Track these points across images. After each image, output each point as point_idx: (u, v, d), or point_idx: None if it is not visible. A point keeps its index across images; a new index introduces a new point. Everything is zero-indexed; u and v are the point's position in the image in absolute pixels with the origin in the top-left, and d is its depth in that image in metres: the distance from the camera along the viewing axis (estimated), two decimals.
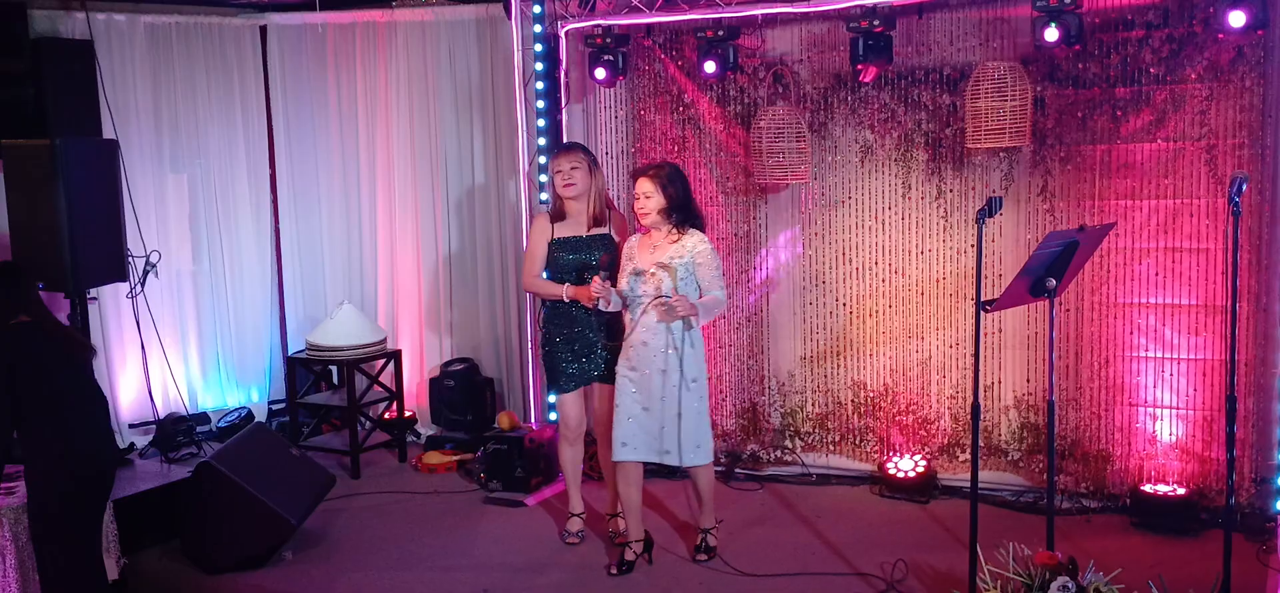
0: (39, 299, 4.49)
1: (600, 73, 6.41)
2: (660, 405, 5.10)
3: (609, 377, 5.34)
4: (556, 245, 5.47)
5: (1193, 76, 5.55)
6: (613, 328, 5.42)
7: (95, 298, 6.42)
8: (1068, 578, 4.18)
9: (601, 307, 5.16)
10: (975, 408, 4.44)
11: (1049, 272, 4.42)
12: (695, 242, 5.10)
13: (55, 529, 4.32)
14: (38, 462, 4.26)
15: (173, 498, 5.73)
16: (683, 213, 5.12)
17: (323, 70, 7.63)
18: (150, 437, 6.69)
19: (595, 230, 5.49)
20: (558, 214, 5.57)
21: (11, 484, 4.70)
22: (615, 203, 5.88)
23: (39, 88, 6.28)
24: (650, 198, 5.08)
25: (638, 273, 5.12)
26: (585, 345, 5.46)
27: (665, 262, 5.06)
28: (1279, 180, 5.39)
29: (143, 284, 6.55)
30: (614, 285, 5.18)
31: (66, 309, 5.98)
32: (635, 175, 5.30)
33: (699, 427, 5.16)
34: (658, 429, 5.13)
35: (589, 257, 5.38)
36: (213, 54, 7.38)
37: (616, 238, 5.50)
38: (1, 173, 5.88)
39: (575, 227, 5.49)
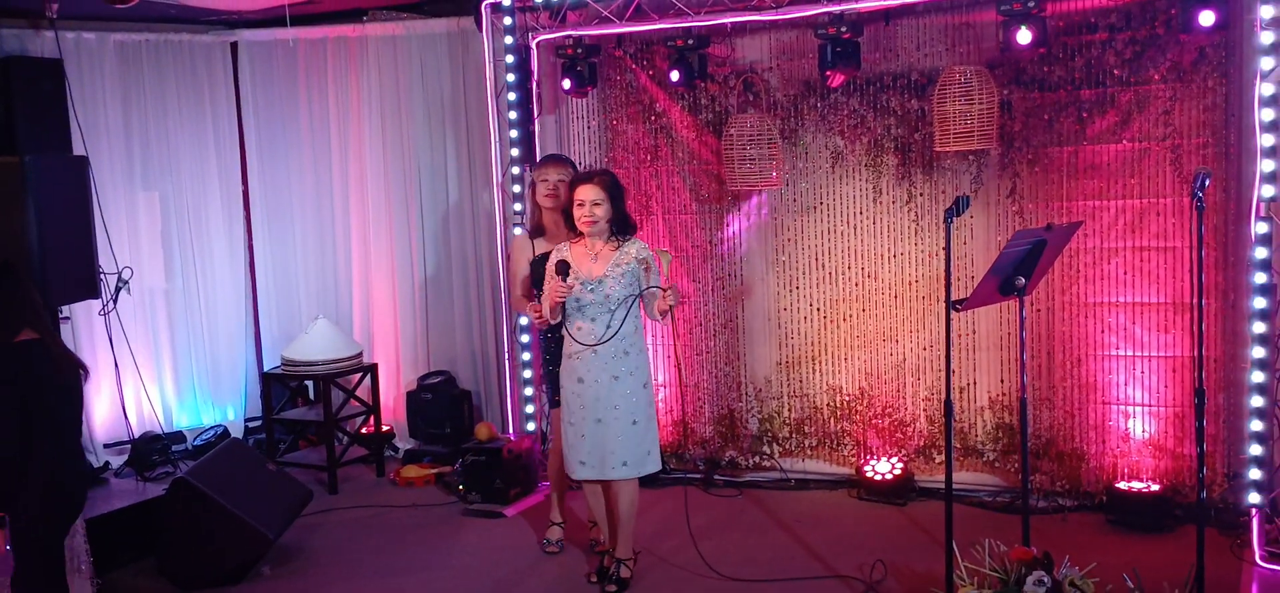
0: (41, 304, 4.40)
1: (567, 83, 6.44)
2: (612, 414, 4.93)
3: None
4: (539, 263, 5.38)
5: (1156, 78, 5.63)
6: None
7: (67, 316, 6.38)
8: (1043, 572, 4.22)
9: (551, 319, 4.98)
10: (948, 405, 4.46)
11: (1018, 270, 4.46)
12: (638, 249, 4.99)
13: (37, 549, 4.26)
14: (33, 482, 4.20)
15: (148, 516, 5.69)
16: (622, 222, 5.03)
17: (294, 86, 7.62)
18: (125, 456, 6.64)
19: None
20: (536, 228, 5.55)
21: None
22: None
23: (8, 106, 6.24)
24: (599, 205, 4.94)
25: (589, 281, 4.93)
26: None
27: (618, 268, 4.93)
28: (1243, 178, 5.45)
29: (115, 301, 6.48)
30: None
31: None
32: (575, 183, 5.09)
33: (646, 434, 5.01)
34: (609, 440, 4.93)
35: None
36: (183, 71, 7.38)
37: None
38: None
39: (555, 241, 5.43)
